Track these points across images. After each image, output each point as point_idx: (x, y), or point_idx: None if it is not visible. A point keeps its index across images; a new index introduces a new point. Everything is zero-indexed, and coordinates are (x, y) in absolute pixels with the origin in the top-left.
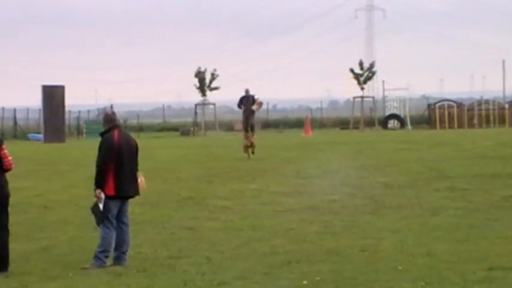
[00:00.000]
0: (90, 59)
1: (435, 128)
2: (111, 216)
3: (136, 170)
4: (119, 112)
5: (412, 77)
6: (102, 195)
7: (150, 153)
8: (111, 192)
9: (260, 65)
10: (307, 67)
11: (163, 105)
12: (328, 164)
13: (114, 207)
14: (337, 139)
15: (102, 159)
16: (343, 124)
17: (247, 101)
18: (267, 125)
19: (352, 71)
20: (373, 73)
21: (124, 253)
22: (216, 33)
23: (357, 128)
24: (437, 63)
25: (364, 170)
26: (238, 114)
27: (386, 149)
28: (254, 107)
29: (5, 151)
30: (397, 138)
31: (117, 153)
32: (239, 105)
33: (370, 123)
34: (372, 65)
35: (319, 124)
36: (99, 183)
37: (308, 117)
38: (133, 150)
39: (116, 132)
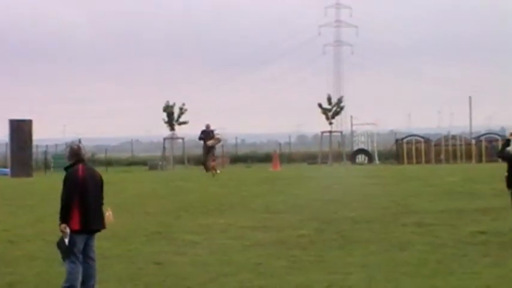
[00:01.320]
0: (59, 93)
1: (403, 163)
2: (77, 250)
3: (102, 204)
4: (88, 146)
5: (380, 112)
6: (68, 230)
7: (118, 187)
8: (77, 227)
9: (229, 100)
10: (276, 102)
11: (131, 139)
12: (296, 199)
13: (80, 241)
14: (306, 174)
15: (67, 193)
16: (311, 159)
17: (207, 136)
18: (236, 159)
19: (320, 106)
20: (341, 108)
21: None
22: (185, 68)
23: (325, 162)
24: (406, 98)
25: (332, 204)
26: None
27: (354, 183)
28: (209, 142)
29: None
30: (365, 173)
31: (81, 187)
32: (200, 138)
33: (338, 157)
34: (340, 100)
35: (288, 159)
36: (64, 217)
37: (276, 152)
38: (98, 184)
39: (80, 166)
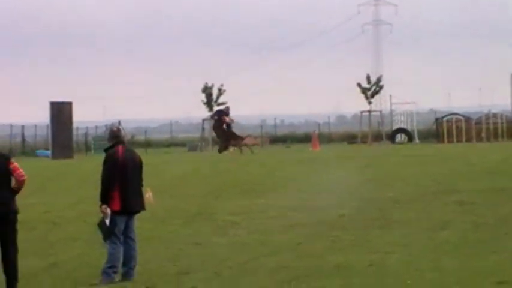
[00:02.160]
0: (98, 76)
1: (443, 142)
2: (117, 231)
3: (141, 185)
4: (127, 128)
5: (419, 91)
6: (108, 211)
7: (157, 169)
8: (117, 208)
9: (267, 81)
10: (315, 82)
11: (170, 121)
12: (336, 179)
13: (121, 222)
14: (345, 153)
15: (106, 174)
16: (350, 138)
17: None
18: (275, 140)
19: (359, 85)
20: (381, 87)
21: (132, 268)
22: (223, 49)
23: (365, 142)
24: (445, 77)
25: (372, 184)
26: (246, 128)
27: (394, 163)
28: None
29: (15, 164)
30: (405, 152)
31: (121, 168)
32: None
33: (377, 137)
34: (379, 79)
35: (327, 139)
36: (104, 198)
37: (316, 132)
38: (138, 165)
39: (120, 148)
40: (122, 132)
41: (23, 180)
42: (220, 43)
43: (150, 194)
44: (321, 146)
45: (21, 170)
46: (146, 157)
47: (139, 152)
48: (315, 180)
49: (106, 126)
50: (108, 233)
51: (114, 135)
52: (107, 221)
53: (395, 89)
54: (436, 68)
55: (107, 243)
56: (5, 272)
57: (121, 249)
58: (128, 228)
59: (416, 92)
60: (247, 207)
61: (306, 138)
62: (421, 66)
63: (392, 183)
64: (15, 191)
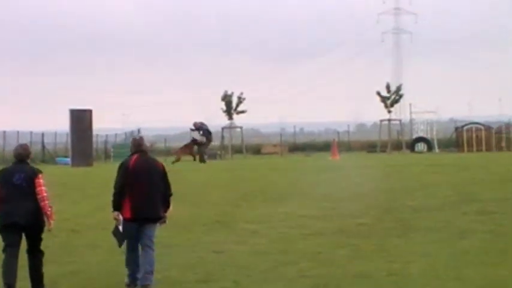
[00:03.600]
0: (118, 83)
1: (463, 151)
2: (130, 238)
3: (167, 194)
4: (147, 136)
5: (440, 100)
6: (120, 217)
7: (178, 176)
8: (128, 215)
9: (287, 89)
10: (334, 90)
11: (190, 128)
12: (356, 187)
13: (132, 229)
14: (365, 162)
15: (117, 182)
16: (370, 147)
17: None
18: (294, 148)
19: (379, 93)
20: (400, 96)
21: (148, 273)
22: (243, 58)
23: (384, 151)
24: (466, 86)
25: (392, 193)
26: (265, 137)
27: (414, 172)
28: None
29: (41, 181)
30: (424, 162)
31: (132, 176)
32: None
33: (397, 146)
34: (399, 88)
35: (347, 147)
36: (115, 205)
37: (335, 140)
38: (157, 174)
39: (134, 156)
40: (144, 141)
41: (41, 198)
42: (240, 52)
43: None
44: (340, 154)
45: (41, 188)
46: (166, 165)
47: (159, 159)
48: (334, 189)
49: (126, 134)
50: (121, 239)
51: (136, 144)
52: (120, 228)
53: (415, 98)
54: (456, 77)
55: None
56: (31, 278)
57: (136, 256)
58: (144, 235)
59: (437, 101)
60: (268, 216)
61: (325, 147)
62: (441, 75)
63: (412, 192)
64: (42, 207)
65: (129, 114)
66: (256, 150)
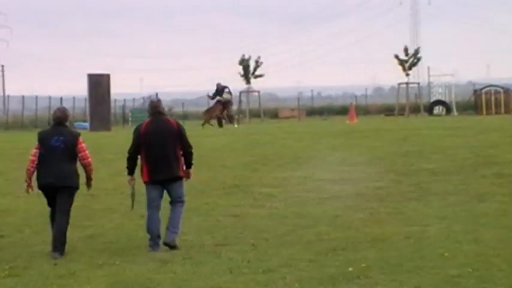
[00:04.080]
0: (136, 48)
1: (481, 114)
2: (150, 200)
3: (189, 152)
4: (164, 100)
5: (458, 63)
6: (132, 181)
7: (194, 141)
8: (145, 179)
9: (304, 53)
10: (352, 54)
11: (207, 93)
12: (373, 151)
13: (151, 191)
14: (382, 126)
15: (130, 146)
16: (388, 111)
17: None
18: (312, 112)
19: (396, 57)
20: (418, 59)
21: (171, 232)
22: (260, 22)
23: (402, 114)
24: (484, 48)
25: (409, 156)
26: (282, 102)
27: (432, 135)
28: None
29: (83, 145)
30: (442, 125)
31: (144, 140)
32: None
33: (415, 109)
34: (417, 51)
35: (364, 111)
36: (128, 169)
37: (353, 104)
38: (172, 134)
39: (148, 120)
40: (161, 104)
41: (87, 163)
42: (258, 15)
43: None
44: (358, 118)
45: (86, 153)
46: (189, 128)
47: None
48: (351, 152)
49: (144, 98)
50: (132, 203)
51: (152, 106)
52: (132, 191)
53: (433, 61)
54: (474, 40)
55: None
56: (54, 238)
57: (155, 216)
58: (171, 196)
59: (455, 64)
60: (285, 180)
61: (343, 111)
62: (459, 38)
63: (430, 156)
64: (86, 171)
65: (147, 79)
66: (274, 114)
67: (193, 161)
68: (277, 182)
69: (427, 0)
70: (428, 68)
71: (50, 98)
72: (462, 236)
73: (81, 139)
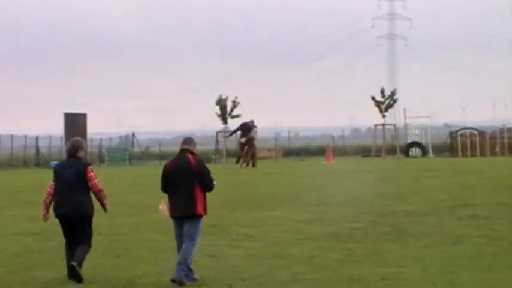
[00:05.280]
0: (113, 87)
1: (457, 156)
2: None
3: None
4: (142, 140)
5: (434, 105)
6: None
7: None
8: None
9: (282, 94)
10: (329, 95)
11: (185, 132)
12: (350, 192)
13: (174, 226)
14: (359, 167)
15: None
16: (365, 152)
17: (246, 129)
18: (289, 153)
19: (373, 98)
20: (395, 101)
21: (179, 264)
22: (238, 62)
23: (379, 155)
24: (460, 91)
25: (386, 198)
26: (260, 142)
27: (408, 177)
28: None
29: (92, 174)
30: (419, 166)
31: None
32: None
33: (391, 151)
34: (393, 93)
35: (341, 152)
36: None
37: (330, 145)
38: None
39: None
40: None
41: (97, 191)
42: (235, 56)
43: (165, 206)
44: (335, 159)
45: (95, 181)
46: (160, 169)
47: (154, 163)
48: (329, 193)
49: (120, 138)
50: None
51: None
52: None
53: (409, 103)
54: (451, 82)
55: None
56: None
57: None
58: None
59: (431, 106)
60: (262, 220)
61: (320, 151)
62: (436, 80)
63: (407, 197)
64: (98, 198)
65: (124, 118)
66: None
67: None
68: (255, 222)
69: (404, 42)
70: (405, 109)
71: (25, 136)
72: (438, 278)
73: (90, 169)
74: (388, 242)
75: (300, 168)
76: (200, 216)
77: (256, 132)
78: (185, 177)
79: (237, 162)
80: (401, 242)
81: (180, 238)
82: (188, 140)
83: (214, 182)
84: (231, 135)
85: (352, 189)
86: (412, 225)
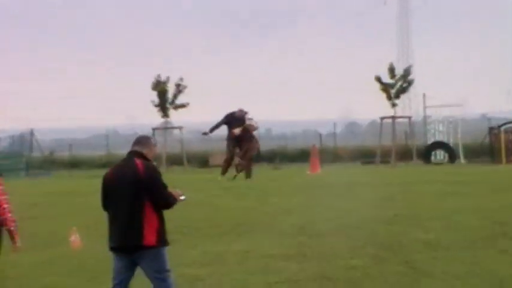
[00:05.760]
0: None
1: (500, 162)
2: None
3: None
4: (43, 140)
5: (465, 89)
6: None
7: (85, 200)
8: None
9: (248, 73)
10: (315, 76)
11: (105, 130)
12: (345, 215)
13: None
14: (358, 178)
15: None
16: (366, 157)
17: (234, 122)
18: (258, 157)
19: (378, 80)
20: (409, 83)
21: None
22: (185, 28)
23: (387, 161)
24: (504, 70)
25: (397, 223)
26: (216, 143)
27: (429, 193)
28: (236, 130)
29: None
30: (444, 178)
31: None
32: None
33: (405, 155)
34: (407, 72)
35: (332, 156)
36: None
37: (316, 146)
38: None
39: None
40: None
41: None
42: (180, 20)
43: (77, 236)
44: (323, 167)
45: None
46: (71, 183)
47: (61, 173)
48: (313, 217)
49: (13, 137)
50: None
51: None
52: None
53: (430, 86)
54: (491, 55)
55: None
56: None
57: None
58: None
59: (461, 91)
60: (218, 256)
61: (301, 156)
62: (468, 53)
63: (426, 223)
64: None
65: (15, 108)
66: (203, 161)
67: None
68: (207, 259)
69: (420, 3)
70: (424, 95)
71: None
72: None
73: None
74: (400, 286)
75: (273, 180)
76: (152, 248)
77: (251, 119)
78: (128, 190)
79: (225, 170)
80: (418, 286)
81: (119, 276)
82: (141, 140)
83: (182, 197)
84: (211, 131)
85: (347, 211)
86: (434, 262)
